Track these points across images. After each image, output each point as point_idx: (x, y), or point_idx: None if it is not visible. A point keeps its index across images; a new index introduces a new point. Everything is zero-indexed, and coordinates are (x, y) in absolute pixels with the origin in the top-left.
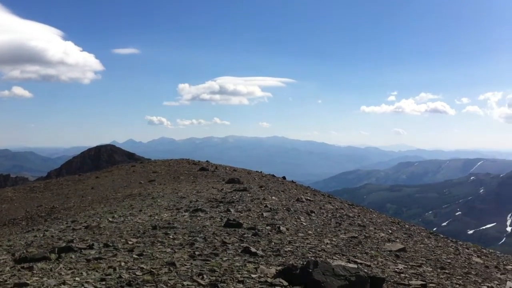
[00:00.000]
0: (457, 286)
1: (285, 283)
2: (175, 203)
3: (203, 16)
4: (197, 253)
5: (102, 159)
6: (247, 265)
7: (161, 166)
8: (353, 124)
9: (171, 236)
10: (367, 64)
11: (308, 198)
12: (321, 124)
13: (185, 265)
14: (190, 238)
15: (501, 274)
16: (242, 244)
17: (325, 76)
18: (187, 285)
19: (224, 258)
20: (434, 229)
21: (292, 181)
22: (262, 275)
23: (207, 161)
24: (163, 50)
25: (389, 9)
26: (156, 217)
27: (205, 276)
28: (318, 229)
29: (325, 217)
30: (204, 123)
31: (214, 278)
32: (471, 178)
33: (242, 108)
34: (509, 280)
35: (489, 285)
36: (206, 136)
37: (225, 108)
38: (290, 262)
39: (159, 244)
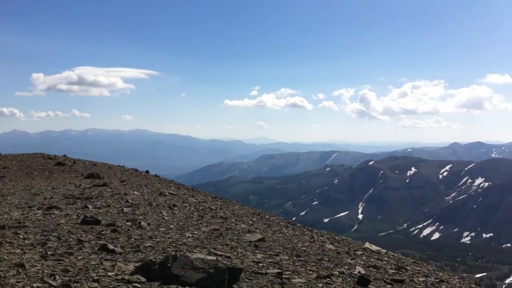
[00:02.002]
0: (311, 272)
1: (143, 280)
2: (27, 201)
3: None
4: (49, 253)
5: None
6: (103, 263)
7: (12, 161)
8: (217, 117)
9: (21, 236)
10: (230, 58)
11: (172, 192)
12: (186, 118)
13: (36, 266)
14: (42, 237)
15: (351, 259)
16: (99, 242)
17: (189, 69)
18: (37, 287)
19: (79, 257)
20: (293, 218)
21: (156, 175)
22: (119, 273)
23: (64, 155)
24: (14, 36)
25: (251, 5)
26: (5, 216)
27: (57, 277)
28: (180, 223)
29: (187, 210)
30: (61, 115)
31: (67, 278)
32: (327, 169)
33: (103, 100)
34: (358, 265)
35: (340, 270)
36: (64, 129)
37: (85, 100)
38: (150, 258)
39: (7, 245)
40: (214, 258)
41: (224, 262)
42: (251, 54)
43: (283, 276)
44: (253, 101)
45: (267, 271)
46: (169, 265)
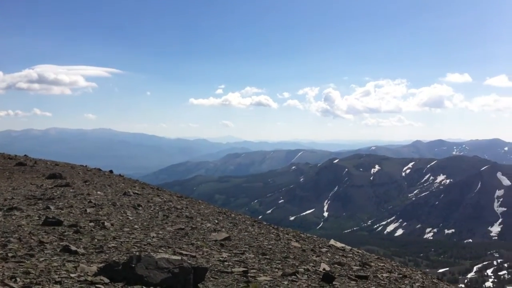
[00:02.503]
0: (276, 270)
1: (107, 280)
2: None
3: None
4: (10, 254)
5: None
6: (66, 264)
7: None
8: (182, 116)
9: None
10: (195, 57)
11: (136, 191)
12: (151, 117)
13: None
14: (3, 239)
15: (316, 257)
16: (61, 243)
17: (154, 67)
18: None
19: (41, 259)
20: (260, 217)
21: (120, 174)
22: (82, 274)
23: (25, 155)
24: None
25: (215, 4)
26: None
27: (18, 279)
28: (145, 223)
29: (152, 210)
30: (22, 114)
31: (28, 280)
32: (293, 167)
33: (65, 98)
34: (323, 262)
35: (305, 267)
36: (24, 128)
37: (46, 99)
38: (113, 259)
39: None
40: (179, 257)
41: (189, 261)
42: (216, 53)
43: (249, 274)
44: (219, 100)
45: (233, 269)
46: (133, 265)
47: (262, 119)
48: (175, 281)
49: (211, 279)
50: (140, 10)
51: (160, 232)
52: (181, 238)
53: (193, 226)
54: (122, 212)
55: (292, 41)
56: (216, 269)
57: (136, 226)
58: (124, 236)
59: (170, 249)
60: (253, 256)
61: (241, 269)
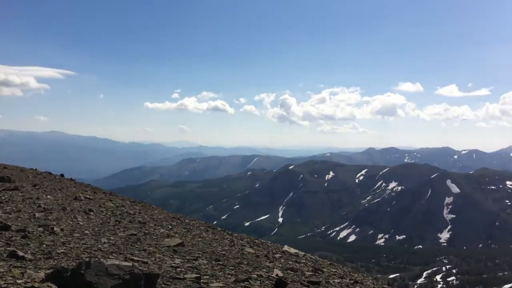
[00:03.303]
0: (229, 276)
1: (55, 287)
2: None
3: None
4: None
5: None
6: (12, 270)
7: None
8: (137, 120)
9: None
10: (151, 60)
11: (88, 196)
12: (104, 120)
13: None
14: None
15: (269, 262)
16: (8, 248)
17: (107, 70)
18: None
19: None
20: (214, 222)
21: (71, 179)
22: (29, 280)
23: None
24: None
25: (171, 7)
26: None
27: None
28: (96, 228)
29: (104, 215)
30: None
31: None
32: (248, 173)
33: (15, 100)
34: (276, 268)
35: (259, 273)
36: None
37: None
38: (62, 265)
39: None
40: (130, 264)
41: (140, 268)
42: (172, 56)
43: (202, 280)
44: (174, 104)
45: (185, 276)
46: (82, 272)
47: (218, 124)
48: None
49: (163, 285)
50: (95, 11)
51: (112, 237)
52: (133, 244)
53: (146, 231)
54: (72, 217)
55: (248, 47)
56: (168, 276)
57: (86, 232)
58: (74, 242)
59: (121, 255)
60: (206, 262)
61: (194, 275)
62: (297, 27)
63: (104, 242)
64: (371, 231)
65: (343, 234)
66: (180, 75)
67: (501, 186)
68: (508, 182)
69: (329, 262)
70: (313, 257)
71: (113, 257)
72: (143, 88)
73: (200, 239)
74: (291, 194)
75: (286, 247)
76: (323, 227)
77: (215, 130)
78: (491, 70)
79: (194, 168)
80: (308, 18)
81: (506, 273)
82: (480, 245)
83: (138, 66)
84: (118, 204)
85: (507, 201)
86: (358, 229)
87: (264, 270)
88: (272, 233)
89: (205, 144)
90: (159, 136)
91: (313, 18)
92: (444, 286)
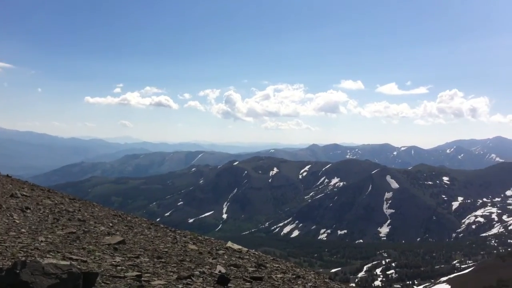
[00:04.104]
0: (171, 273)
1: None
2: None
3: None
4: None
5: None
6: None
7: None
8: (77, 115)
9: None
10: (92, 54)
11: (25, 193)
12: (42, 114)
13: None
14: None
15: (212, 259)
16: None
17: (46, 63)
18: None
19: None
20: (158, 219)
21: (7, 175)
22: None
23: None
24: None
25: (113, 3)
26: None
27: None
28: (33, 227)
29: (42, 213)
30: None
31: None
32: (193, 169)
33: None
34: (219, 264)
35: (201, 270)
36: None
37: None
38: None
39: None
40: (68, 263)
41: (79, 266)
42: (115, 50)
43: (143, 278)
44: (117, 99)
45: (126, 274)
46: (18, 271)
47: (162, 120)
48: (63, 287)
49: (102, 284)
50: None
51: (50, 236)
52: (72, 242)
53: (86, 229)
54: (8, 215)
55: (192, 42)
56: (108, 274)
57: (23, 230)
58: (10, 241)
59: (59, 254)
60: (148, 260)
61: (135, 273)
62: (241, 23)
63: (42, 241)
64: (314, 226)
65: (286, 229)
66: (122, 70)
67: (437, 181)
68: (444, 178)
69: (272, 258)
70: (256, 253)
71: (51, 256)
72: (84, 82)
73: (142, 236)
74: (235, 190)
75: (229, 243)
76: (267, 223)
77: (159, 126)
78: (429, 69)
79: (137, 164)
80: (252, 14)
81: (442, 266)
82: (418, 239)
83: (79, 60)
84: (56, 202)
85: (443, 196)
86: (301, 225)
87: (207, 266)
88: (216, 229)
89: (148, 140)
90: (101, 131)
91: (257, 14)
92: (384, 279)
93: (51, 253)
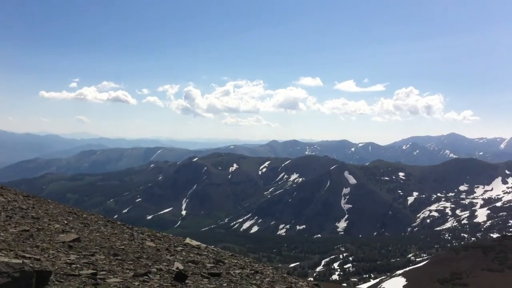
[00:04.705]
0: (128, 271)
1: None
2: None
3: None
4: None
5: None
6: None
7: None
8: (32, 110)
9: None
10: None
11: None
12: None
13: None
14: None
15: (170, 256)
16: None
17: None
18: None
19: None
20: (115, 216)
21: None
22: None
23: None
24: None
25: None
26: None
27: None
28: None
29: None
30: None
31: None
32: (151, 165)
33: None
34: (177, 261)
35: (159, 267)
36: None
37: None
38: None
39: None
40: (20, 261)
41: (32, 265)
42: (70, 44)
43: (98, 276)
44: (73, 94)
45: (81, 272)
46: None
47: (120, 115)
48: (15, 286)
49: (56, 282)
50: None
51: (2, 234)
52: (25, 240)
53: (40, 227)
54: None
55: (151, 36)
56: (62, 272)
57: None
58: None
59: (11, 252)
60: (104, 257)
61: (90, 271)
62: (200, 18)
63: None
64: (273, 222)
65: (246, 225)
66: (78, 64)
67: (394, 177)
68: (400, 173)
69: (230, 254)
70: (215, 249)
71: (3, 255)
72: (39, 76)
73: (98, 234)
74: (194, 186)
75: (188, 240)
76: (227, 219)
77: (116, 122)
78: (386, 67)
79: (94, 161)
80: (212, 11)
81: (398, 259)
82: (375, 233)
83: (33, 52)
84: (9, 199)
85: (399, 191)
86: (260, 220)
87: (165, 263)
88: (176, 226)
89: (106, 136)
90: (56, 127)
91: (216, 10)
92: (341, 273)
93: (3, 252)
